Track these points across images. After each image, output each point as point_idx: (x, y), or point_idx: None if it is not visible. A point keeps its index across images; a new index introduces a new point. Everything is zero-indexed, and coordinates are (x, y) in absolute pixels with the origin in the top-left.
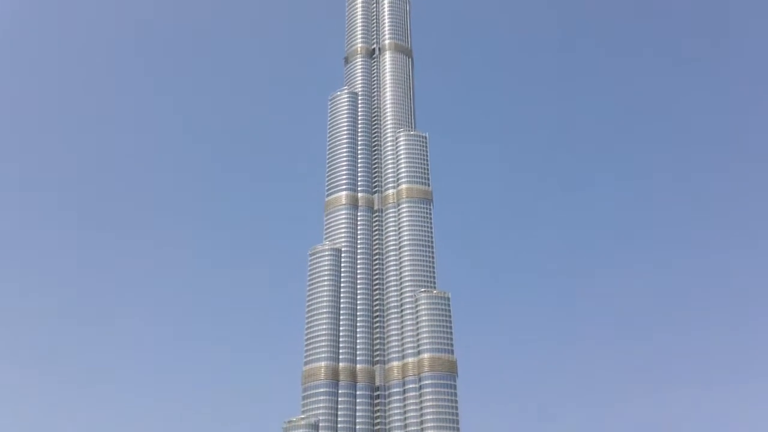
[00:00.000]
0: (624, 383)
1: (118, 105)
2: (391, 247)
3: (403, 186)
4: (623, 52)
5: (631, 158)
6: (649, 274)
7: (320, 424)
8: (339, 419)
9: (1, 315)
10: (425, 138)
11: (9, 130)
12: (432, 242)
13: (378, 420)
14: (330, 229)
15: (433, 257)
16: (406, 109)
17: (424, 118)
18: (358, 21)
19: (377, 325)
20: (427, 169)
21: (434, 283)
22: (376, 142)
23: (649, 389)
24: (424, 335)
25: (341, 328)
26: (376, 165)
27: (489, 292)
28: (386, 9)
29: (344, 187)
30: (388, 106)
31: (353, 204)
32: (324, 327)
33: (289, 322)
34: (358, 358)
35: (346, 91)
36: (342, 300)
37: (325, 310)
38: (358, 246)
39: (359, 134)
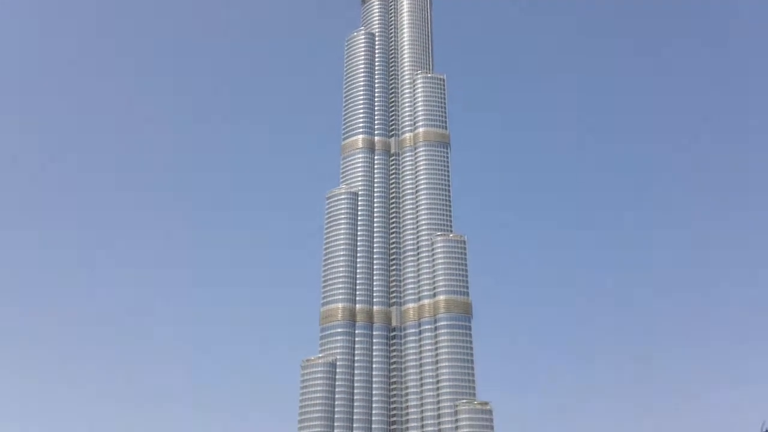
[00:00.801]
0: (640, 332)
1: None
2: (408, 191)
3: (421, 129)
4: None
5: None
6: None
7: (337, 363)
8: (356, 359)
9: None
10: (443, 80)
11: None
12: (449, 186)
13: (394, 360)
14: (347, 173)
15: (449, 201)
16: (424, 50)
17: (442, 60)
18: None
19: (393, 267)
20: (445, 113)
21: (450, 226)
22: (393, 85)
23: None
24: (440, 278)
25: (358, 271)
26: (393, 108)
27: (505, 236)
28: None
29: (361, 130)
30: (405, 47)
31: (370, 147)
32: (341, 269)
33: (307, 264)
34: (374, 300)
35: (362, 31)
36: (359, 243)
37: (342, 253)
38: (375, 189)
39: (376, 76)
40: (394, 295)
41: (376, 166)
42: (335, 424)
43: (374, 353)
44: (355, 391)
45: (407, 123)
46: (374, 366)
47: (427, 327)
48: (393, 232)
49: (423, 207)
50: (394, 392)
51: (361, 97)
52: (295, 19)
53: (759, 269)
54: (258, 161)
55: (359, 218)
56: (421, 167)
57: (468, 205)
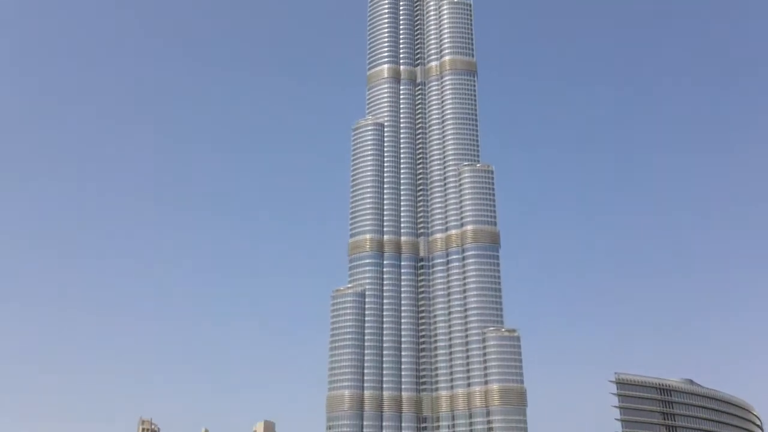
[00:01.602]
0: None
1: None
2: (435, 121)
3: (447, 57)
4: None
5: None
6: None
7: (366, 293)
8: (384, 289)
9: None
10: (470, 5)
11: None
12: (476, 115)
13: (422, 290)
14: (372, 104)
15: (476, 131)
16: None
17: None
18: None
19: (421, 198)
20: (472, 40)
21: (477, 156)
22: (418, 11)
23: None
24: (468, 207)
25: (385, 202)
26: (418, 36)
27: (532, 167)
28: None
29: (386, 59)
30: None
31: (395, 77)
32: (368, 200)
33: (335, 196)
34: (402, 230)
35: None
36: (386, 174)
37: (369, 184)
38: (402, 120)
39: (401, 3)
40: (422, 225)
41: (402, 96)
42: (365, 351)
43: (402, 283)
44: (385, 319)
45: (433, 51)
46: (403, 295)
47: (455, 257)
48: (420, 163)
49: (450, 137)
50: (423, 321)
51: (386, 25)
52: None
53: None
54: (285, 94)
55: (386, 149)
56: (448, 96)
57: (495, 134)
